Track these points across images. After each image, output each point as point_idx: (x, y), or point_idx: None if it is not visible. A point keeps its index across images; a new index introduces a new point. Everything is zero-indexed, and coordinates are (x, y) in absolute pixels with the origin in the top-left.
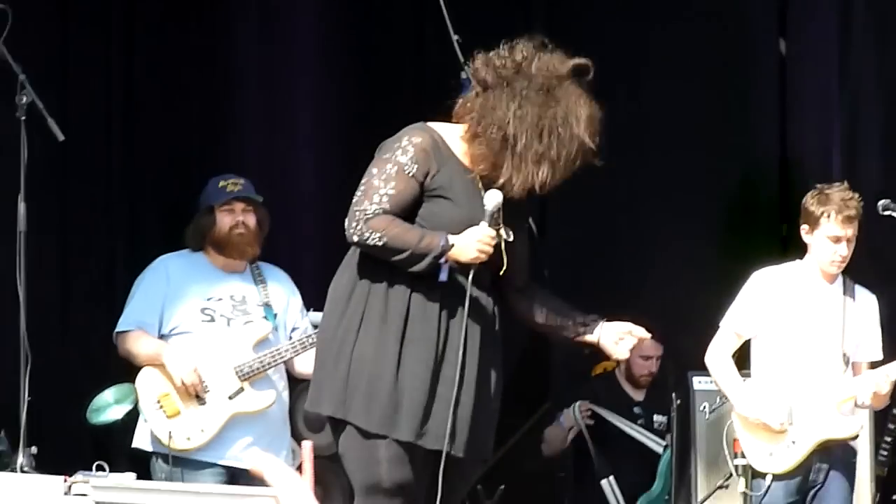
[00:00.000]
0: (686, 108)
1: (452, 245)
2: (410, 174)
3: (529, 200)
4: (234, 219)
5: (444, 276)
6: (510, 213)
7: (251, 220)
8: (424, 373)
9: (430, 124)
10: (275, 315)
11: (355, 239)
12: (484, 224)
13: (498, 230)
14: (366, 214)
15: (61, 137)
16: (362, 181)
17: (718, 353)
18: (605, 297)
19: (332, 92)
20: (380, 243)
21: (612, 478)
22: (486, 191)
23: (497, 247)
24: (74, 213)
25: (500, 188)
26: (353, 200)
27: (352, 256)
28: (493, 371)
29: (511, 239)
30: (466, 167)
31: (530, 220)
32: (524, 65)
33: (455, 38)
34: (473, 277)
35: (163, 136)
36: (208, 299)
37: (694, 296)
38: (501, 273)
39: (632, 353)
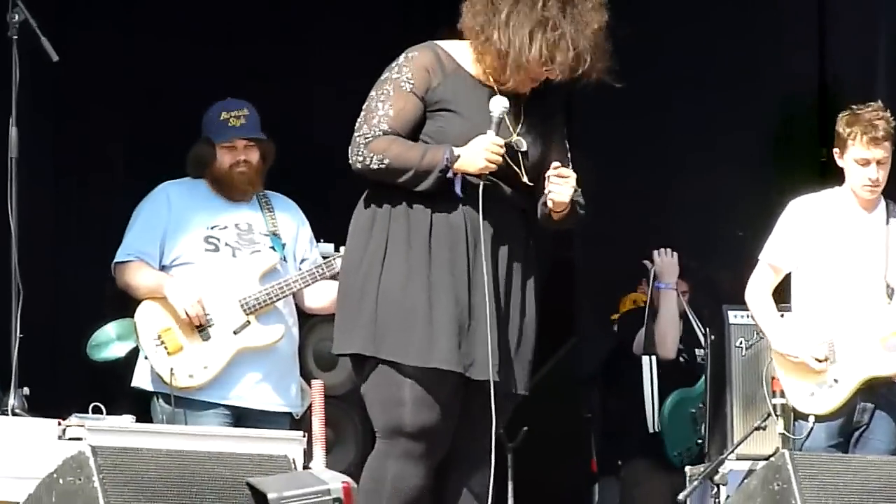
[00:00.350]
0: (718, 30)
1: (458, 157)
2: (408, 90)
3: (554, 111)
4: (235, 157)
5: (458, 190)
6: (529, 122)
7: (254, 156)
8: (456, 299)
9: (436, 42)
10: (283, 245)
11: (358, 166)
12: (490, 132)
13: (508, 139)
14: (365, 139)
15: (55, 58)
16: (363, 107)
17: (757, 288)
18: (635, 229)
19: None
20: (382, 165)
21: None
22: None
23: (513, 157)
24: (68, 137)
25: (509, 94)
26: (355, 127)
27: (371, 186)
28: (525, 294)
29: (524, 148)
30: (478, 80)
31: (562, 133)
32: None
33: None
34: (491, 192)
35: (167, 52)
36: (212, 228)
37: (730, 227)
38: (522, 184)
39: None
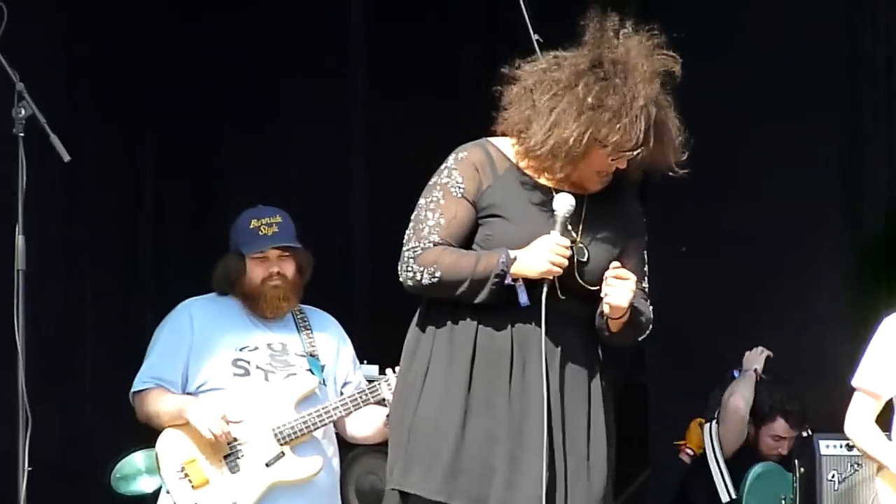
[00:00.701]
0: (814, 135)
1: (515, 259)
2: (459, 195)
3: (626, 213)
4: (268, 269)
5: (524, 299)
6: (591, 225)
7: (289, 268)
8: (493, 428)
9: (489, 139)
10: (322, 367)
11: (409, 283)
12: (555, 232)
13: (573, 242)
14: (414, 252)
15: (67, 158)
16: (412, 216)
17: (858, 419)
18: (716, 348)
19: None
20: (435, 279)
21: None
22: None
23: (571, 265)
24: (84, 246)
25: (573, 193)
26: (404, 240)
27: (423, 302)
28: (592, 420)
29: (584, 258)
30: (535, 180)
31: (640, 241)
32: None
33: (535, 37)
34: (553, 304)
35: (190, 159)
36: (241, 349)
37: (821, 347)
38: (582, 295)
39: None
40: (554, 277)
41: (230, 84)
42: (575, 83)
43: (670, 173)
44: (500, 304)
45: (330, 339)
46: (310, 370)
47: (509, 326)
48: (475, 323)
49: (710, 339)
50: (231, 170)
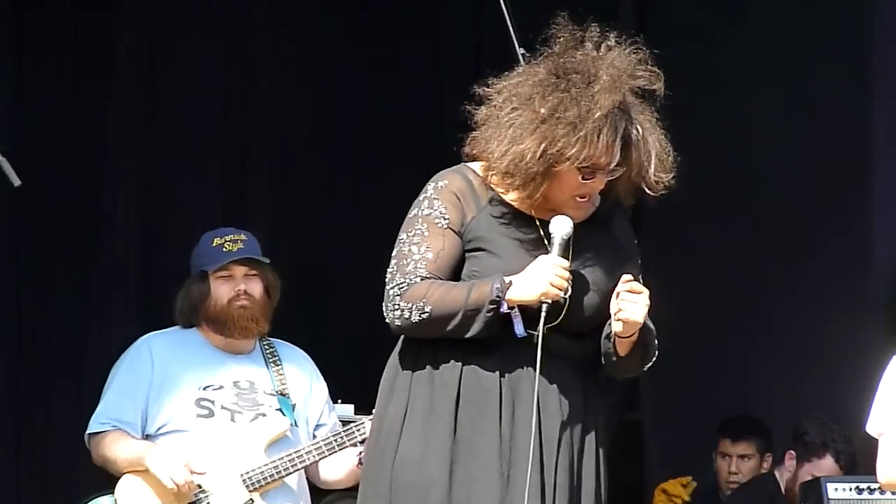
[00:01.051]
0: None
1: (510, 285)
2: (444, 226)
3: (615, 243)
4: (234, 287)
5: (520, 330)
6: (578, 256)
7: (256, 287)
8: (486, 477)
9: (467, 164)
10: (293, 407)
11: (397, 323)
12: (553, 253)
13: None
14: (400, 289)
15: (17, 182)
16: (393, 252)
17: (890, 465)
18: (712, 383)
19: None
20: (424, 315)
21: None
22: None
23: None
24: (32, 277)
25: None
26: (386, 279)
27: (400, 341)
28: (584, 463)
29: (567, 295)
30: (519, 209)
31: (634, 264)
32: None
33: (521, 51)
34: (544, 341)
35: (148, 179)
36: (205, 388)
37: (834, 383)
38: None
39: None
40: (546, 310)
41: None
42: (532, 95)
43: (660, 193)
44: (487, 340)
45: (302, 375)
46: (280, 410)
47: (497, 365)
48: (459, 361)
49: (706, 377)
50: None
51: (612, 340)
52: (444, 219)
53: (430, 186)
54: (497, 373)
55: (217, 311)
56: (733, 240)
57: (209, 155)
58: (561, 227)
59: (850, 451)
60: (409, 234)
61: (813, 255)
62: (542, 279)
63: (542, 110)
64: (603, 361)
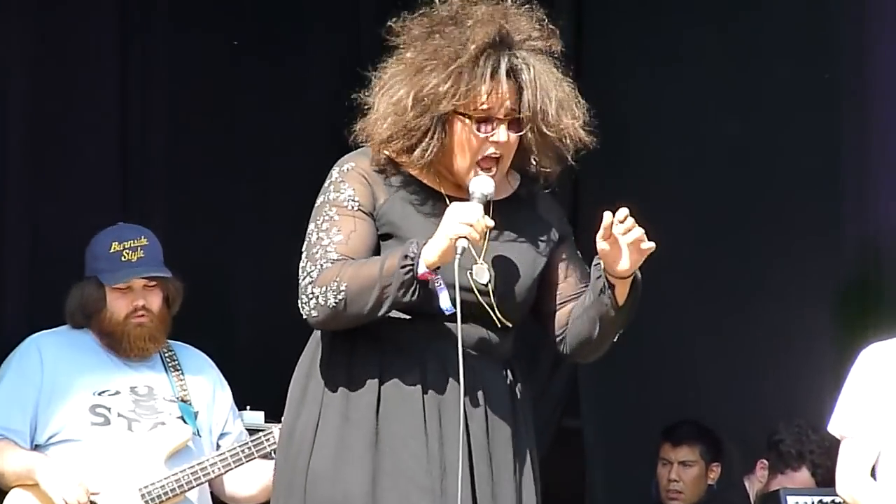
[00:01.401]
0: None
1: (425, 244)
2: (355, 208)
3: (543, 220)
4: (132, 303)
5: (445, 303)
6: (497, 239)
7: (155, 300)
8: (409, 489)
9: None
10: (195, 415)
11: (314, 314)
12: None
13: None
14: (312, 277)
15: None
16: (304, 246)
17: (849, 472)
18: (657, 386)
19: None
20: (341, 296)
21: None
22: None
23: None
24: None
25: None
26: (299, 275)
27: (310, 342)
28: (520, 471)
29: (484, 280)
30: (432, 188)
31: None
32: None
33: None
34: (470, 337)
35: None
36: (100, 393)
37: (794, 383)
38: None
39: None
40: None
41: None
42: (408, 50)
43: (574, 148)
44: (408, 339)
45: (204, 381)
46: (181, 418)
47: (418, 367)
48: (377, 365)
49: (651, 378)
50: None
51: (605, 293)
52: (353, 201)
53: (334, 171)
54: (419, 375)
55: (112, 326)
56: (683, 229)
57: (102, 142)
58: (481, 185)
59: (828, 465)
60: (318, 223)
61: (774, 246)
62: (452, 221)
63: (416, 61)
64: (589, 326)
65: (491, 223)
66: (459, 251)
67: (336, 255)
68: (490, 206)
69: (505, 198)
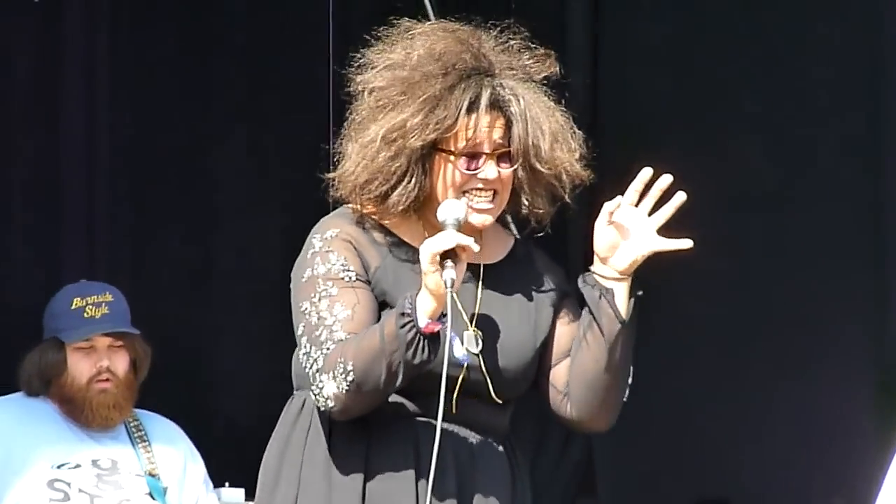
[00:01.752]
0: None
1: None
2: (351, 279)
3: (541, 276)
4: (96, 363)
5: (460, 352)
6: (490, 302)
7: (121, 363)
8: None
9: (349, 206)
10: (164, 490)
11: (330, 404)
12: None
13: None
14: (319, 365)
15: None
16: (298, 331)
17: None
18: (670, 459)
19: None
20: (350, 378)
21: None
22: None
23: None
24: None
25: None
26: (302, 361)
27: (285, 412)
28: None
29: (476, 350)
30: (414, 246)
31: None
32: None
33: None
34: (467, 408)
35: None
36: (59, 467)
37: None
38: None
39: None
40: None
41: None
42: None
43: (573, 185)
44: (396, 417)
45: (174, 453)
46: (150, 494)
47: (411, 445)
48: (363, 444)
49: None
50: None
51: (604, 299)
52: (348, 271)
53: (315, 240)
54: (412, 455)
55: (73, 391)
56: (720, 292)
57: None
58: (450, 210)
59: None
60: (313, 300)
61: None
62: (427, 256)
63: (384, 96)
64: (590, 358)
65: (470, 240)
66: (449, 283)
67: (343, 335)
68: (480, 270)
69: (498, 261)
